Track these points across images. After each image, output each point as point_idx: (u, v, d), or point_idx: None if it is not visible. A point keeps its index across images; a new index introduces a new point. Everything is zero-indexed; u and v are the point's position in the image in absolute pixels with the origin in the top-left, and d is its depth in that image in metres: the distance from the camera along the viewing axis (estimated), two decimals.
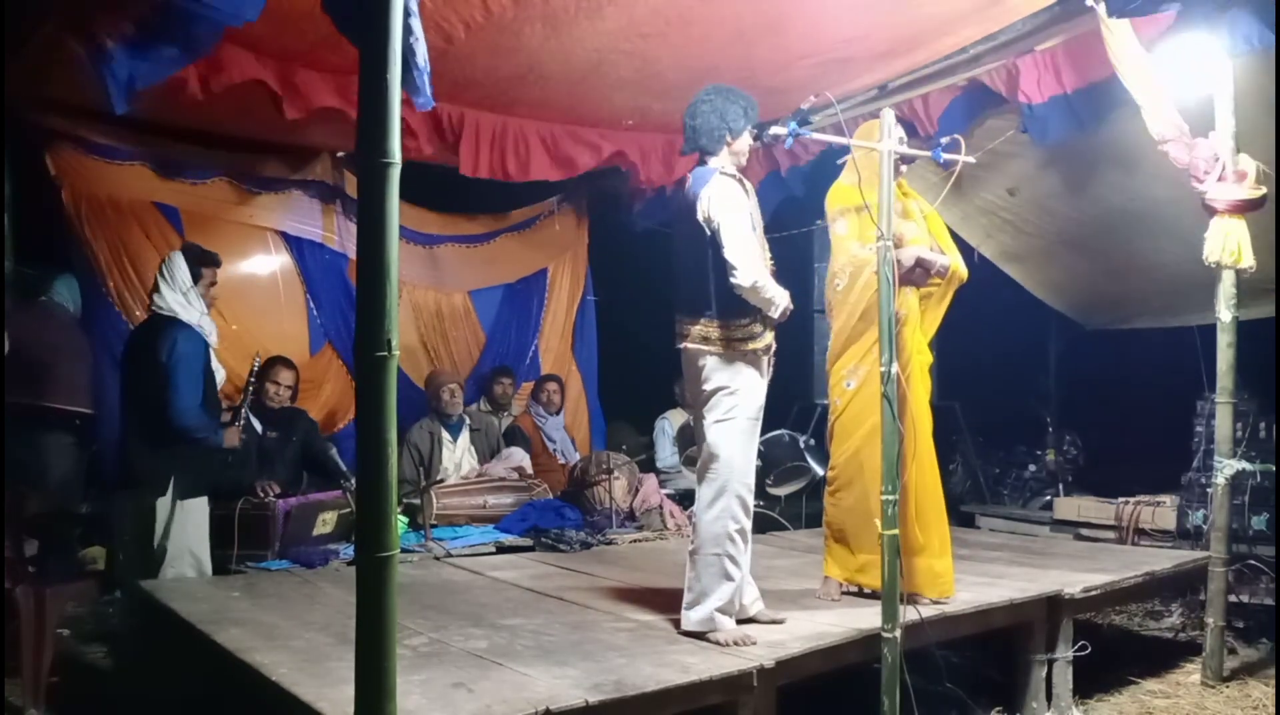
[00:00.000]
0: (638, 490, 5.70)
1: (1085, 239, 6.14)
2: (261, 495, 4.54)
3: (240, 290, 5.63)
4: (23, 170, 4.98)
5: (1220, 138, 4.05)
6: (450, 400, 5.88)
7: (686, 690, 2.64)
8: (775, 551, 4.87)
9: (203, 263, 4.18)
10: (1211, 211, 4.05)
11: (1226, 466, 4.16)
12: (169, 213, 5.50)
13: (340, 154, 6.12)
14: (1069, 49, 4.56)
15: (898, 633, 2.80)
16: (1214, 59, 4.07)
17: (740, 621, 3.20)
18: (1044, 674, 3.73)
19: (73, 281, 5.00)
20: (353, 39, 1.98)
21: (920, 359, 3.69)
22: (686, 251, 3.25)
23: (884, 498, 2.82)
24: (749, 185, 3.32)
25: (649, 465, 6.51)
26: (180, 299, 4.09)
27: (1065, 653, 3.76)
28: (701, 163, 3.29)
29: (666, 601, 3.41)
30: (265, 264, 5.97)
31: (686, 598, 3.18)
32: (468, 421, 6.00)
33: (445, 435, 5.82)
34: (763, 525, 5.57)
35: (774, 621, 3.27)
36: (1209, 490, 4.55)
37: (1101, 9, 4.01)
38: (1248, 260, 4.01)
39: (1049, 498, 6.62)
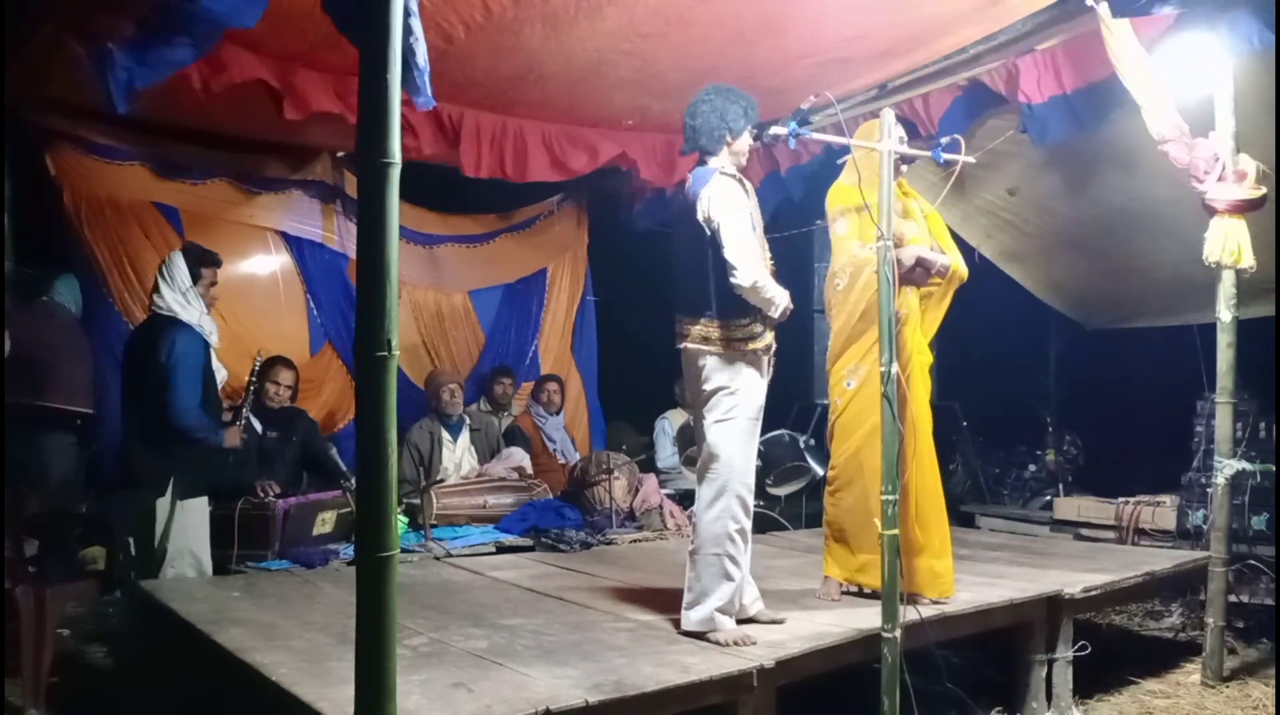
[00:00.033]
0: (638, 490, 5.70)
1: (1085, 239, 6.14)
2: (261, 495, 4.55)
3: (240, 290, 5.63)
4: (23, 170, 4.98)
5: (1220, 138, 4.05)
6: (450, 400, 5.88)
7: (686, 690, 2.64)
8: (775, 551, 4.87)
9: (203, 263, 4.18)
10: (1211, 211, 4.05)
11: (1226, 466, 4.16)
12: (169, 213, 5.51)
13: (340, 154, 6.12)
14: (1069, 49, 4.55)
15: (898, 633, 2.80)
16: (1214, 59, 4.07)
17: (740, 621, 3.20)
18: (1044, 674, 3.72)
19: (73, 281, 5.01)
20: (353, 39, 1.98)
21: (920, 359, 3.69)
22: (686, 251, 3.25)
23: (884, 498, 2.82)
24: (749, 185, 3.32)
25: (649, 465, 6.51)
26: (180, 299, 4.08)
27: (1065, 653, 3.76)
28: (701, 163, 3.29)
29: (666, 601, 3.41)
30: (265, 264, 5.97)
31: (686, 598, 3.18)
32: (468, 421, 6.00)
33: (445, 435, 5.82)
34: (763, 525, 5.57)
35: (774, 621, 3.27)
36: (1209, 490, 4.55)
37: (1103, 9, 4.01)
38: (1248, 260, 4.01)
39: (1049, 498, 6.61)
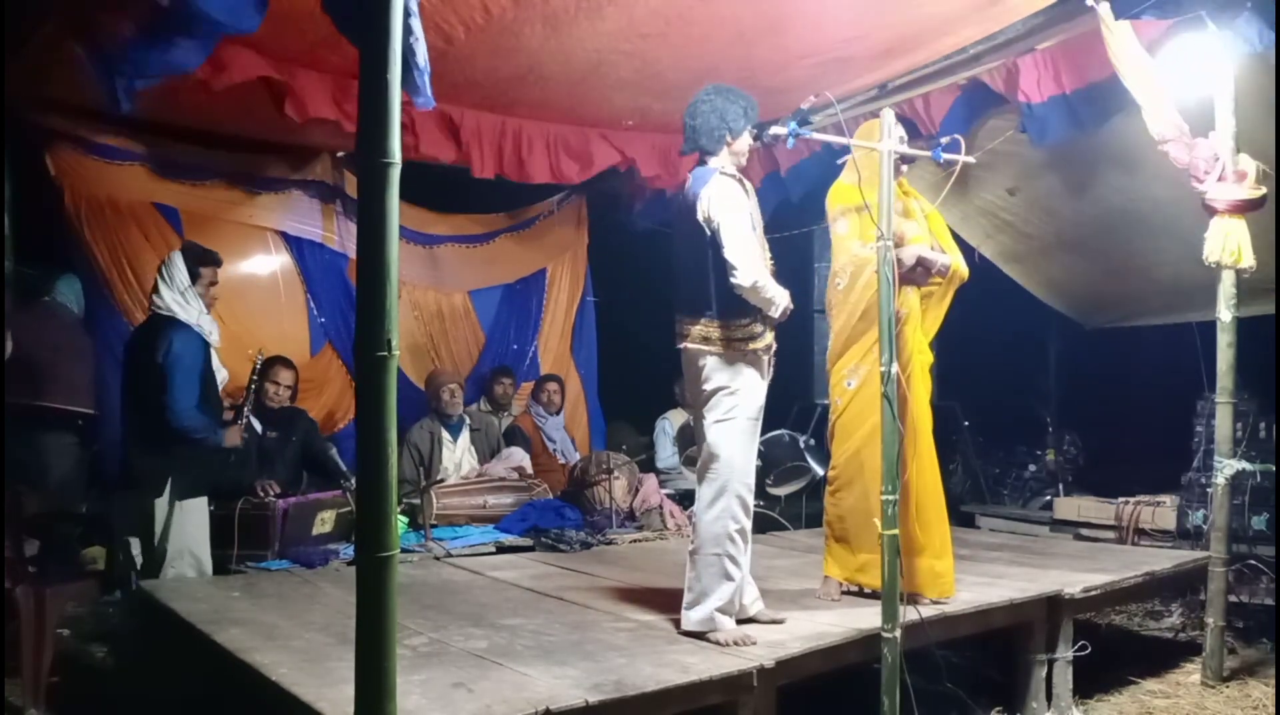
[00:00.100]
0: (638, 490, 5.70)
1: (1085, 239, 6.14)
2: (261, 495, 4.55)
3: (240, 290, 5.63)
4: (23, 170, 4.98)
5: (1220, 138, 4.05)
6: (450, 400, 5.88)
7: (686, 690, 2.64)
8: (775, 551, 4.87)
9: (202, 262, 4.18)
10: (1211, 211, 4.05)
11: (1226, 466, 4.16)
12: (169, 213, 5.50)
13: (340, 154, 6.12)
14: (1069, 49, 4.56)
15: (898, 633, 2.80)
16: (1214, 59, 4.07)
17: (740, 621, 3.20)
18: (1044, 674, 3.72)
19: (75, 282, 5.01)
20: (353, 39, 1.98)
21: (921, 358, 3.69)
22: (686, 252, 3.25)
23: (884, 498, 2.82)
24: (749, 185, 3.32)
25: (649, 465, 6.51)
26: (178, 298, 4.08)
27: (1065, 653, 3.76)
28: (701, 163, 3.29)
29: (666, 601, 3.41)
30: (265, 264, 5.97)
31: (686, 598, 3.18)
32: (468, 421, 6.00)
33: (445, 435, 5.82)
34: (763, 525, 5.57)
35: (774, 621, 3.27)
36: (1209, 490, 4.54)
37: (1104, 9, 4.01)
38: (1248, 260, 4.01)
39: (1049, 498, 6.61)
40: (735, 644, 2.99)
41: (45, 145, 5.12)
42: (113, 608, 4.32)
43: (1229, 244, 4.00)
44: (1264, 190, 4.01)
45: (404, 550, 4.45)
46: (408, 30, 1.99)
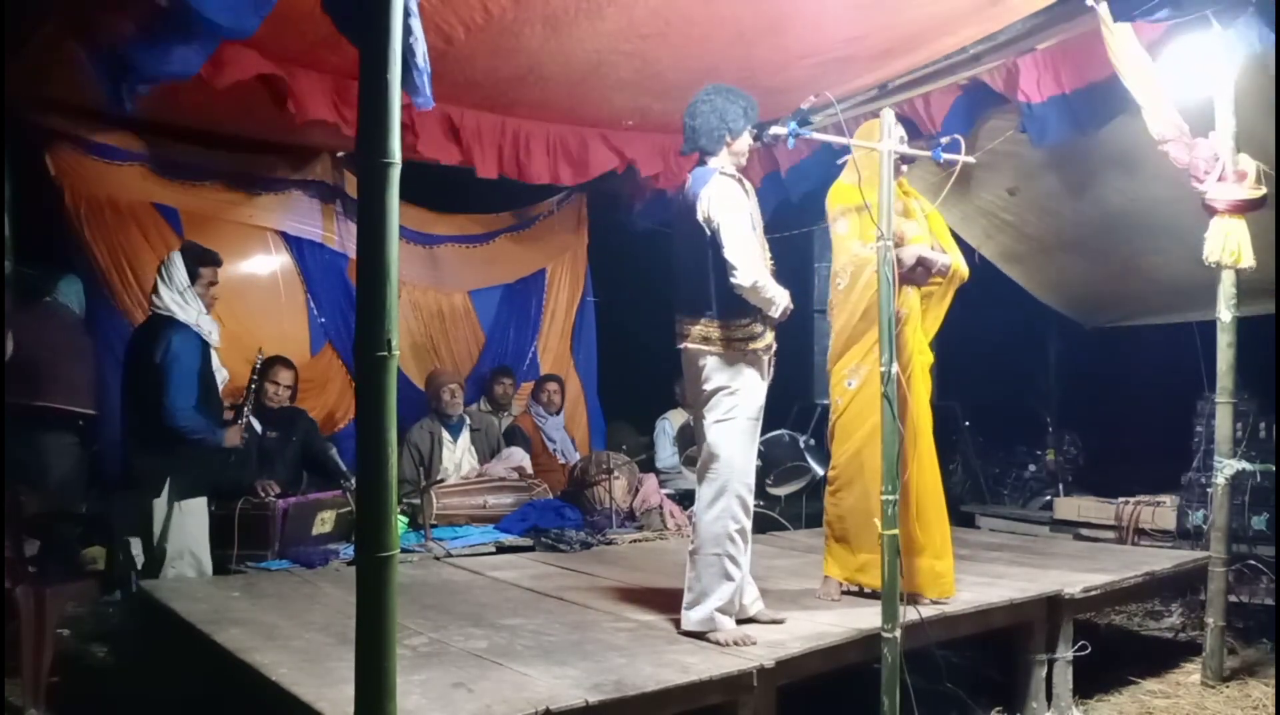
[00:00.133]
0: (638, 490, 5.70)
1: (1085, 239, 6.14)
2: (261, 495, 4.55)
3: (240, 291, 5.63)
4: (23, 170, 4.98)
5: (1220, 138, 4.04)
6: (450, 400, 5.88)
7: (686, 690, 2.64)
8: (775, 551, 4.87)
9: (201, 262, 4.18)
10: (1211, 211, 4.05)
11: (1226, 466, 4.16)
12: (168, 214, 5.50)
13: (340, 154, 6.12)
14: (1069, 49, 4.56)
15: (898, 633, 2.80)
16: (1214, 59, 4.07)
17: (740, 621, 3.20)
18: (1044, 674, 3.73)
19: (76, 282, 5.01)
20: (353, 39, 1.98)
21: (921, 358, 3.69)
22: (686, 252, 3.25)
23: (884, 498, 2.82)
24: (749, 185, 3.32)
25: (649, 465, 6.51)
26: (177, 299, 4.09)
27: (1065, 653, 3.76)
28: (701, 163, 3.29)
29: (666, 601, 3.41)
30: (265, 264, 5.97)
31: (686, 598, 3.18)
32: (468, 421, 6.00)
33: (445, 435, 5.82)
34: (763, 525, 5.57)
35: (774, 621, 3.27)
36: (1209, 490, 4.54)
37: (1104, 9, 4.01)
38: (1248, 260, 4.01)
39: (1049, 498, 6.61)
40: (735, 644, 2.99)
41: (45, 145, 5.12)
42: (113, 608, 4.32)
43: (1229, 244, 4.00)
44: (1264, 190, 4.00)
45: (404, 550, 4.45)
46: (408, 30, 1.99)
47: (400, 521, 4.20)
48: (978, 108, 5.09)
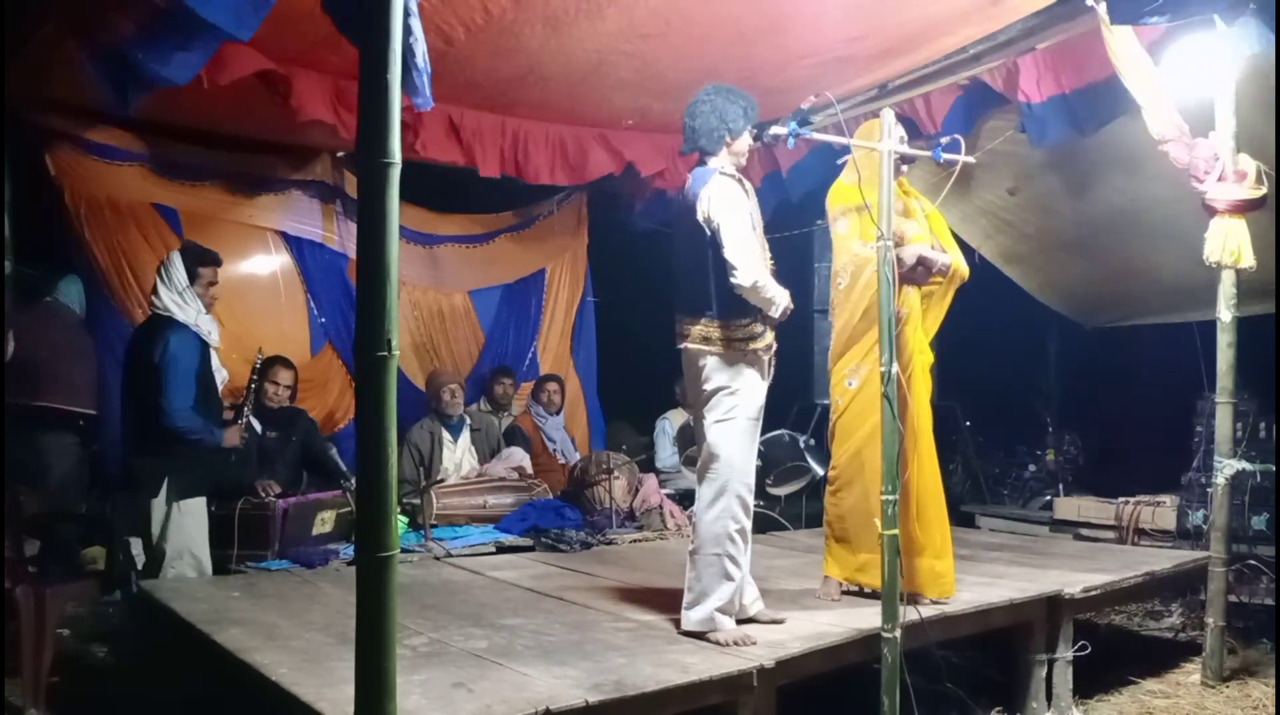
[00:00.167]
0: (638, 490, 5.70)
1: (1085, 239, 6.14)
2: (261, 495, 4.55)
3: (240, 291, 5.63)
4: (23, 170, 4.98)
5: (1220, 138, 4.05)
6: (450, 400, 5.88)
7: (686, 690, 2.64)
8: (775, 551, 4.87)
9: (201, 262, 4.18)
10: (1211, 211, 4.05)
11: (1226, 466, 4.16)
12: (168, 214, 5.50)
13: (340, 154, 6.12)
14: (1069, 49, 4.56)
15: (898, 633, 2.80)
16: (1214, 59, 4.07)
17: (740, 621, 3.20)
18: (1044, 674, 3.73)
19: (77, 282, 5.01)
20: (353, 39, 1.98)
21: (921, 358, 3.69)
22: (686, 252, 3.25)
23: (884, 498, 2.82)
24: (749, 185, 3.32)
25: (649, 465, 6.51)
26: (176, 299, 4.08)
27: (1065, 653, 3.76)
28: (701, 163, 3.29)
29: (666, 601, 3.41)
30: (265, 264, 5.97)
31: (686, 598, 3.18)
32: (468, 421, 6.00)
33: (445, 435, 5.82)
34: (763, 525, 5.57)
35: (774, 621, 3.27)
36: (1209, 490, 4.54)
37: (1104, 9, 4.01)
38: (1248, 260, 4.01)
39: (1049, 498, 6.61)
40: (735, 644, 2.99)
41: (45, 145, 5.12)
42: (113, 608, 4.32)
43: (1229, 244, 4.00)
44: (1264, 190, 4.00)
45: (404, 550, 4.45)
46: (407, 30, 1.99)
47: (400, 521, 4.20)
48: (978, 108, 5.09)
